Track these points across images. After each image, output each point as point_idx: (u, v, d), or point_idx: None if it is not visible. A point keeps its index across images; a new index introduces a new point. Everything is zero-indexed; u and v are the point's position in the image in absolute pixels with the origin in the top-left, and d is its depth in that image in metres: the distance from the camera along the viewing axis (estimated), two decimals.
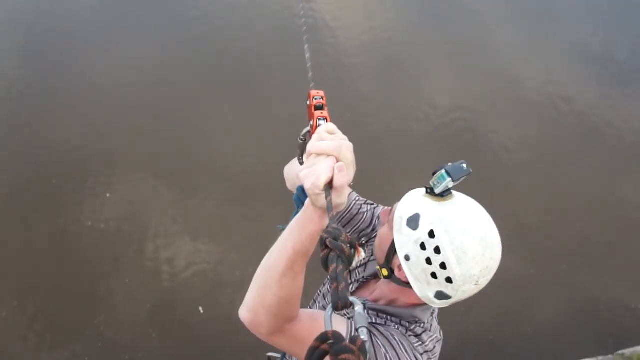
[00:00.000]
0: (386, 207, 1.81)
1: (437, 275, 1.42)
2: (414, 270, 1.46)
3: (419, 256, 1.43)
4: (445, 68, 5.59)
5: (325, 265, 1.02)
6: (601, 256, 4.54)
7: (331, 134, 1.28)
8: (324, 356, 0.83)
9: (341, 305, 0.94)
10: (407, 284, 1.50)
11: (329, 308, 0.95)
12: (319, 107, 1.39)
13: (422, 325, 1.60)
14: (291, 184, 1.92)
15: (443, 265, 1.40)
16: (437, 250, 1.40)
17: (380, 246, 1.61)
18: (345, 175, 1.20)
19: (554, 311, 4.17)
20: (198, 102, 4.93)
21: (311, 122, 1.40)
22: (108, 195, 4.22)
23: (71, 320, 3.69)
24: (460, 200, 1.48)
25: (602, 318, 4.22)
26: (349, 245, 1.03)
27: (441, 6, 6.27)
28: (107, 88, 4.92)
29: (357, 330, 0.91)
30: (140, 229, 4.11)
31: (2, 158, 4.41)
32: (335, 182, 1.19)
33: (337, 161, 1.22)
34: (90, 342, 3.60)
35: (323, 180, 1.17)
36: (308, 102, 1.41)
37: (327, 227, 1.08)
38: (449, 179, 1.40)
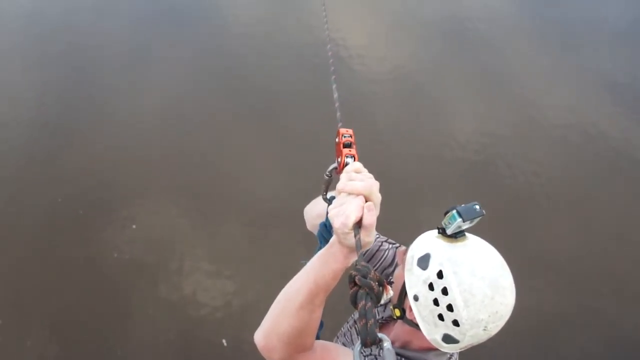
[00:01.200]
0: (404, 247, 1.83)
1: (444, 317, 1.39)
2: (422, 311, 1.44)
3: (427, 297, 1.41)
4: (471, 98, 5.62)
5: (354, 302, 1.06)
6: (625, 289, 4.45)
7: (358, 172, 1.32)
8: None
9: (370, 342, 0.97)
10: (417, 325, 1.48)
11: (358, 344, 0.98)
12: (347, 145, 1.42)
13: None
14: (311, 225, 1.93)
15: (450, 307, 1.38)
16: (445, 292, 1.38)
17: (395, 286, 1.61)
18: (374, 215, 1.23)
19: (577, 343, 4.09)
20: (223, 135, 5.02)
21: (338, 159, 1.43)
22: (134, 226, 4.30)
23: (95, 351, 3.72)
24: (473, 243, 1.47)
25: (625, 352, 4.13)
26: (377, 283, 1.07)
27: (465, 38, 6.32)
28: (133, 120, 5.05)
29: None
30: (165, 260, 4.16)
31: (30, 190, 4.52)
32: (365, 221, 1.22)
33: (366, 200, 1.26)
34: None
35: (353, 220, 1.21)
36: (337, 140, 1.45)
37: (356, 264, 1.12)
38: (460, 220, 1.39)
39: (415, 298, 1.44)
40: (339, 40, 5.91)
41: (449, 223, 1.42)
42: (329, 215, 1.28)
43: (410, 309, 1.48)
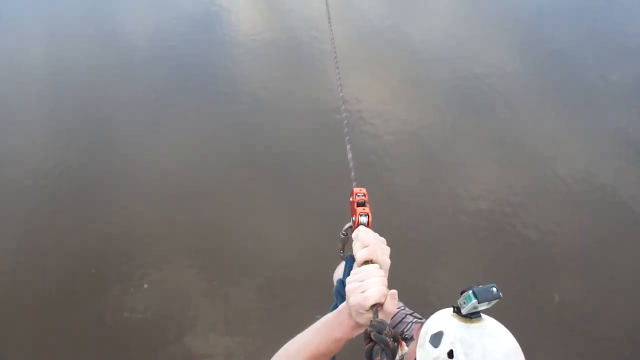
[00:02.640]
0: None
1: None
2: None
3: None
4: (486, 159, 5.65)
5: (370, 358, 1.06)
6: None
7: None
8: None
9: None
10: None
11: None
12: (361, 204, 1.46)
13: None
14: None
15: None
16: None
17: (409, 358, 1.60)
18: (396, 303, 1.24)
19: None
20: (237, 195, 5.07)
21: (353, 218, 1.47)
22: (146, 285, 4.30)
23: None
24: (488, 325, 1.42)
25: None
26: (392, 339, 1.07)
27: (478, 99, 6.41)
28: (145, 178, 5.14)
29: None
30: (178, 320, 4.13)
31: (42, 247, 4.56)
32: (386, 308, 1.23)
33: (373, 262, 1.27)
34: None
35: (371, 303, 1.21)
36: (351, 199, 1.49)
37: (372, 321, 1.13)
38: (475, 301, 1.35)
39: None
40: (352, 101, 6.04)
41: (464, 303, 1.39)
42: (346, 288, 1.27)
43: None
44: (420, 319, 1.86)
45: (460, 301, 1.39)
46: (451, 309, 1.46)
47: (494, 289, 1.35)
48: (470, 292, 1.35)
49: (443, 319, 1.44)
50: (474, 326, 1.40)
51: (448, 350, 1.36)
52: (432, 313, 1.59)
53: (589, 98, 6.59)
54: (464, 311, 1.39)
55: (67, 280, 4.34)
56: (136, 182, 5.12)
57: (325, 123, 5.74)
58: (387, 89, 6.46)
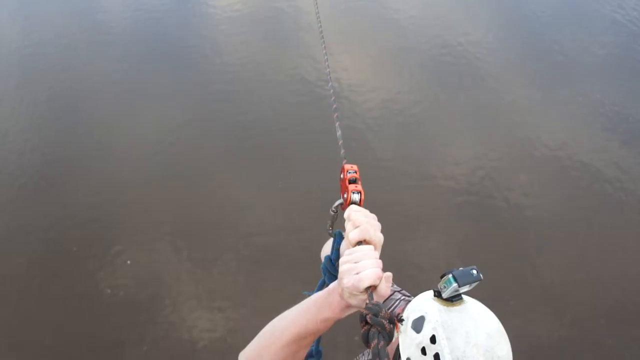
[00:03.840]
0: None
1: None
2: None
3: None
4: (465, 130, 5.68)
5: (366, 341, 1.05)
6: (631, 318, 4.45)
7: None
8: None
9: None
10: None
11: None
12: (353, 181, 1.43)
13: None
14: None
15: None
16: (437, 357, 1.33)
17: (391, 345, 1.59)
18: (390, 286, 1.23)
19: None
20: (222, 172, 5.02)
21: (344, 195, 1.44)
22: (128, 262, 4.26)
23: None
24: (471, 307, 1.41)
25: None
26: (388, 321, 1.07)
27: (459, 71, 6.41)
28: (129, 158, 5.06)
29: None
30: (160, 296, 4.12)
31: (23, 226, 4.49)
32: (380, 291, 1.22)
33: (368, 242, 1.26)
34: None
35: (366, 285, 1.19)
36: (342, 176, 1.46)
37: (367, 303, 1.12)
38: (455, 285, 1.33)
39: None
40: (341, 79, 5.99)
41: (445, 287, 1.36)
42: (340, 269, 1.25)
43: None
44: (408, 296, 1.86)
45: (440, 285, 1.36)
46: (431, 292, 1.45)
47: (474, 272, 1.33)
48: (450, 276, 1.32)
49: (424, 304, 1.42)
50: (455, 309, 1.38)
51: (430, 335, 1.35)
52: (410, 283, 1.58)
53: (566, 69, 6.63)
54: (444, 295, 1.38)
55: (48, 259, 4.28)
56: (118, 162, 5.03)
57: (309, 93, 5.69)
58: (369, 61, 6.41)
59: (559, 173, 5.42)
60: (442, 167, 5.29)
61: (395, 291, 1.84)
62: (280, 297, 3.96)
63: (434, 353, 1.34)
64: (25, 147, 5.07)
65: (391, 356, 1.51)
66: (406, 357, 1.40)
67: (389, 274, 1.22)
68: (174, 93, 5.75)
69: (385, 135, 5.50)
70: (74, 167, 4.96)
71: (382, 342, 1.02)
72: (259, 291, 4.20)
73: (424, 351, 1.35)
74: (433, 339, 1.34)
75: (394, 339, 1.54)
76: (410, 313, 1.43)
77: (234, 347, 3.80)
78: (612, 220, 5.05)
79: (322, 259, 1.68)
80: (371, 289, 1.20)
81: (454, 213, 4.91)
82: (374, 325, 1.05)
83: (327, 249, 1.74)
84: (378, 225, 1.29)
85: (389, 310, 1.78)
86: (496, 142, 5.62)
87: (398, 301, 1.81)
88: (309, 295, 1.42)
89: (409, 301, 1.80)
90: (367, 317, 1.07)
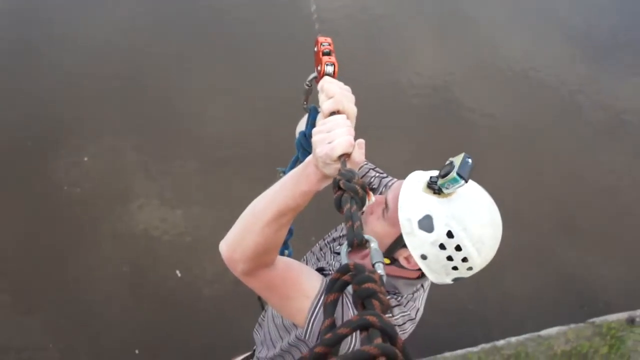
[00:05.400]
0: (391, 178, 1.81)
1: (459, 267, 1.45)
2: (432, 266, 1.46)
3: (439, 255, 1.43)
4: (428, 39, 5.62)
5: (339, 206, 1.04)
6: (572, 228, 4.65)
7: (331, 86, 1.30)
8: (345, 287, 0.85)
9: (357, 242, 0.96)
10: (418, 270, 1.52)
11: (345, 245, 0.97)
12: (327, 53, 1.40)
13: (398, 299, 1.61)
14: None
15: (465, 259, 1.43)
16: (458, 248, 1.41)
17: (378, 239, 1.58)
18: (363, 152, 1.21)
19: (527, 280, 4.27)
20: (184, 71, 4.84)
21: (318, 68, 1.41)
22: (86, 159, 4.15)
23: (44, 286, 3.62)
24: (461, 190, 1.43)
25: (574, 288, 4.34)
26: (361, 187, 1.05)
27: None
28: (88, 51, 4.78)
29: (373, 265, 0.93)
30: (118, 192, 4.06)
31: None
32: (355, 158, 1.20)
33: (340, 112, 1.23)
34: (63, 307, 3.56)
35: (339, 153, 1.17)
36: (315, 49, 1.43)
37: (340, 169, 1.10)
38: (462, 181, 1.34)
39: (424, 257, 1.45)
40: None
41: (450, 185, 1.36)
42: (312, 139, 1.23)
43: (408, 260, 1.50)
44: (381, 173, 1.87)
45: (444, 184, 1.37)
46: (419, 190, 1.45)
47: (469, 160, 1.35)
48: (455, 174, 1.33)
49: (421, 201, 1.43)
50: (454, 198, 1.42)
51: (446, 231, 1.39)
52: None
53: None
54: (448, 191, 1.39)
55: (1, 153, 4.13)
56: (75, 53, 4.75)
57: None
58: None
59: (517, 85, 5.51)
60: (403, 73, 5.27)
61: (370, 169, 1.85)
62: (237, 196, 3.93)
63: (454, 246, 1.40)
64: None
65: (382, 247, 1.51)
66: (420, 254, 1.44)
67: (362, 141, 1.21)
68: None
69: (345, 40, 5.37)
70: (28, 58, 4.69)
71: (354, 206, 1.01)
72: (217, 191, 4.19)
73: (442, 247, 1.41)
74: (450, 234, 1.39)
75: (375, 204, 1.55)
76: (410, 214, 1.43)
77: (191, 243, 3.84)
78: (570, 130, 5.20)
79: (297, 135, 1.66)
80: (344, 156, 1.18)
81: (413, 120, 4.96)
82: (347, 190, 1.04)
83: (301, 125, 1.71)
84: (352, 97, 1.27)
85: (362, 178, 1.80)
86: (459, 55, 5.66)
87: (373, 178, 1.82)
88: (283, 172, 1.40)
89: (383, 178, 1.82)
90: (340, 182, 1.05)
